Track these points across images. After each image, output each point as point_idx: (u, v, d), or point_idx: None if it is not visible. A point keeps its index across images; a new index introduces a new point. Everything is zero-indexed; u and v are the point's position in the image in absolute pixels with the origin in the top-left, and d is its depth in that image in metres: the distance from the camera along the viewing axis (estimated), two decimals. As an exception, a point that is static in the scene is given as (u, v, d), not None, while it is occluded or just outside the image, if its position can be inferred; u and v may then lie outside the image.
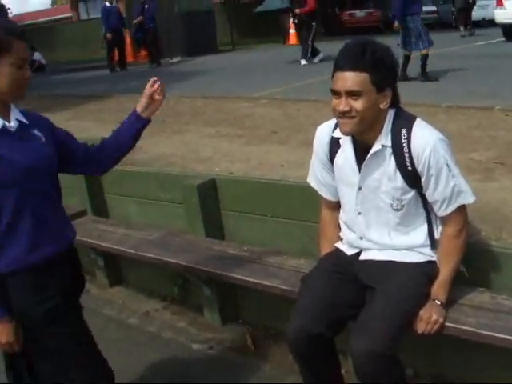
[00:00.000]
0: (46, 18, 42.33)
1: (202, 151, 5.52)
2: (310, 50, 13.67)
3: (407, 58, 9.36)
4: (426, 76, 9.20)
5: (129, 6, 20.57)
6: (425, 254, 2.65)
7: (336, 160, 2.70)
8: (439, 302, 2.58)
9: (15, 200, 2.26)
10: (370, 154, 2.55)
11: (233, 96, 8.76)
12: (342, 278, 2.71)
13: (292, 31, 22.05)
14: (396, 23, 9.26)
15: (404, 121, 2.54)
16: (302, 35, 13.99)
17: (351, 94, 2.41)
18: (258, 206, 3.90)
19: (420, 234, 2.65)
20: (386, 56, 2.45)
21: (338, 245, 2.86)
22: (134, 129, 2.58)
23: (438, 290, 2.60)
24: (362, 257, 2.73)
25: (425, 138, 2.48)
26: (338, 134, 2.64)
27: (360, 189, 2.63)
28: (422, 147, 2.46)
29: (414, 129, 2.50)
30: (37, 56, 23.50)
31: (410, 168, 2.51)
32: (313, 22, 13.46)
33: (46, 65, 23.06)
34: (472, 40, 16.41)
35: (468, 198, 2.55)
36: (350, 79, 2.40)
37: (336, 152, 2.68)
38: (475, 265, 2.85)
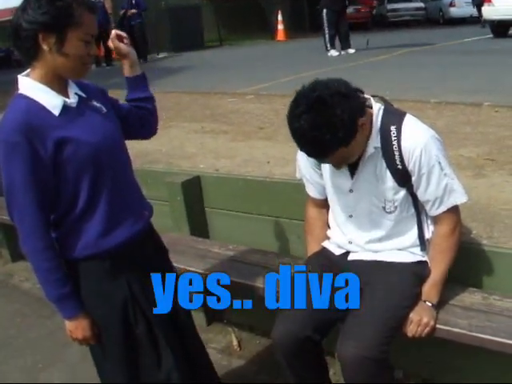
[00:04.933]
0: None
1: (187, 147, 5.42)
2: (327, 38, 13.19)
3: None
4: None
5: (115, 2, 20.40)
6: (415, 254, 2.57)
7: None
8: (430, 304, 2.50)
9: (90, 182, 2.11)
10: (363, 158, 2.44)
11: (219, 91, 8.67)
12: (330, 278, 2.63)
13: (280, 27, 22.08)
14: None
15: (393, 118, 2.42)
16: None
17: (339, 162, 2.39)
18: (244, 204, 3.82)
19: (411, 234, 2.57)
20: (338, 107, 2.17)
21: (326, 244, 2.77)
22: (141, 91, 2.46)
23: (430, 290, 2.52)
24: (351, 257, 2.64)
25: (415, 136, 2.37)
26: None
27: (351, 191, 2.54)
28: (412, 146, 2.35)
29: (403, 126, 2.39)
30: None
31: (399, 167, 2.40)
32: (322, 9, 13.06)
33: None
34: (460, 36, 16.38)
35: (460, 198, 2.46)
36: (328, 161, 2.40)
37: None
38: (466, 264, 2.77)
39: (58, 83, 2.11)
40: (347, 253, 2.67)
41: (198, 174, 4.07)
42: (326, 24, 13.02)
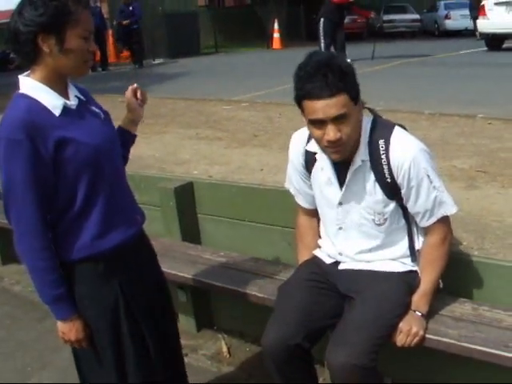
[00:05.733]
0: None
1: (181, 153, 5.44)
2: (322, 48, 13.08)
3: None
4: None
5: (111, 7, 20.46)
6: (406, 264, 2.57)
7: (313, 173, 2.59)
8: (420, 314, 2.50)
9: (88, 183, 2.10)
10: (351, 171, 2.45)
11: (214, 98, 8.69)
12: (321, 287, 2.63)
13: (276, 35, 22.13)
14: None
15: (382, 130, 2.43)
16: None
17: (338, 118, 2.24)
18: (236, 211, 3.82)
19: (401, 245, 2.57)
20: (349, 67, 2.29)
21: (317, 252, 2.77)
22: (124, 147, 2.42)
23: (419, 300, 2.52)
24: (341, 266, 2.65)
25: (404, 150, 2.38)
26: (312, 147, 2.53)
27: (340, 204, 2.54)
28: (401, 159, 2.36)
29: (392, 139, 2.39)
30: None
31: (389, 180, 2.41)
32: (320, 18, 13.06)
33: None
34: (455, 49, 16.46)
35: (450, 209, 2.47)
36: (332, 105, 2.21)
37: (313, 163, 2.57)
38: (457, 275, 2.78)
39: (58, 84, 2.11)
40: (338, 262, 2.67)
41: (190, 180, 4.07)
42: (322, 33, 13.03)
